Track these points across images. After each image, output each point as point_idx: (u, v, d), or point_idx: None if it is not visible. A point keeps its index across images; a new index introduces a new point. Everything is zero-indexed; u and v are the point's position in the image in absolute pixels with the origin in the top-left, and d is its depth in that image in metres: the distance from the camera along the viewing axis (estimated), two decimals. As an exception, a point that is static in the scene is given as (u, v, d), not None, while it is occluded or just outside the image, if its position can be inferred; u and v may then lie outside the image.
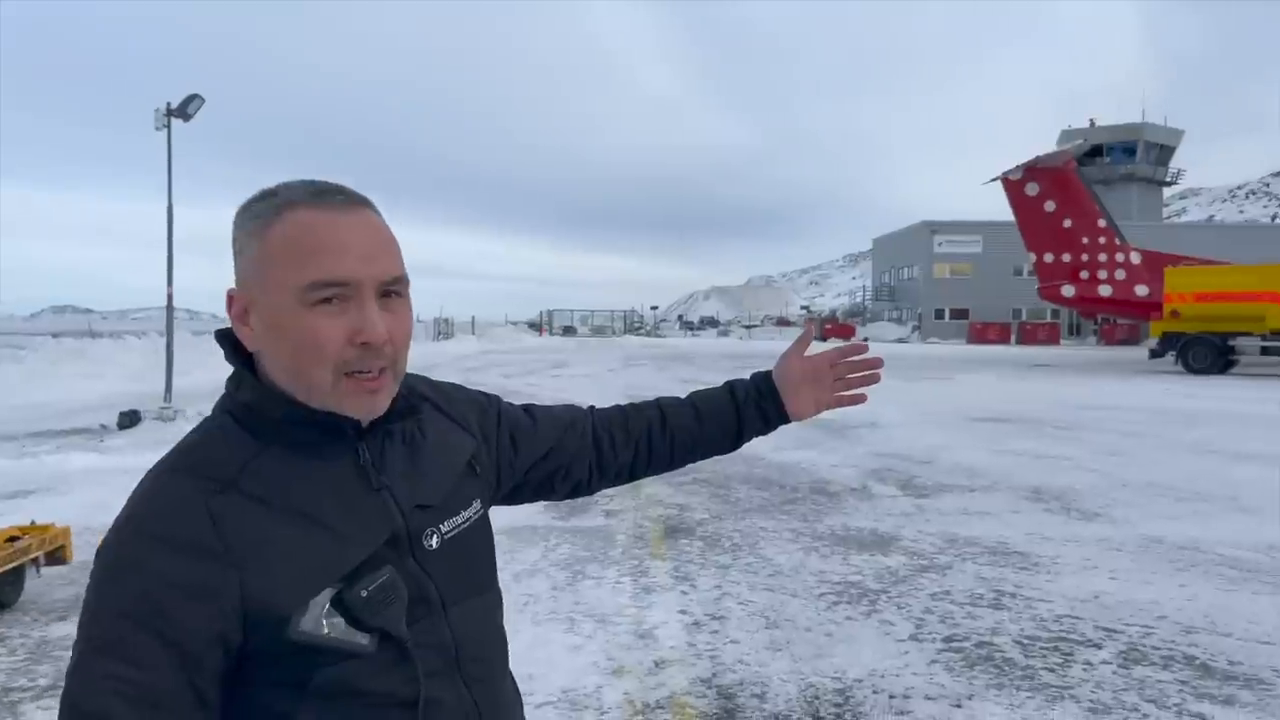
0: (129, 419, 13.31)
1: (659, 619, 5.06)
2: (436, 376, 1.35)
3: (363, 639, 1.01)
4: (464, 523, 1.18)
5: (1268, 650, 4.55)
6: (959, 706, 3.94)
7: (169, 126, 15.68)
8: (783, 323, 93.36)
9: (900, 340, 60.12)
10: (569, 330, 78.18)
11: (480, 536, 1.22)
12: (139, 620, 0.93)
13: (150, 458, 1.15)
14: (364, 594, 1.01)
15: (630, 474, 1.53)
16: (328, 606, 1.00)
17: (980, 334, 56.15)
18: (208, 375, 16.72)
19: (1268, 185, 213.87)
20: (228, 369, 1.10)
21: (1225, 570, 5.98)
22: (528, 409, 1.45)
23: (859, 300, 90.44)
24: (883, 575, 5.89)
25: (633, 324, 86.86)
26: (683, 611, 5.19)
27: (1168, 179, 78.50)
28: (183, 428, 11.33)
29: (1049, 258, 35.69)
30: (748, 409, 1.53)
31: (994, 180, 36.50)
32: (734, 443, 1.56)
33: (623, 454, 1.49)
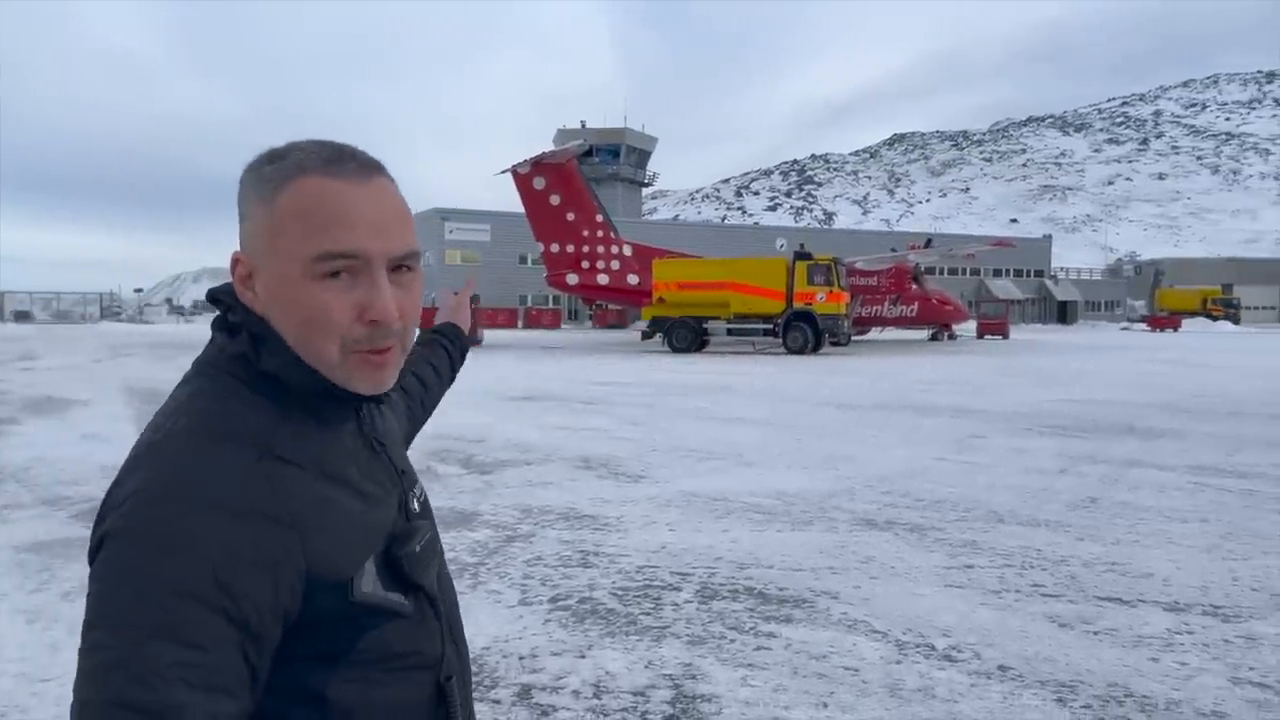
0: None
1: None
2: None
3: (400, 598, 1.01)
4: (423, 488, 1.19)
5: (801, 575, 5.52)
6: (583, 657, 4.25)
7: None
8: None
9: (414, 325, 60.61)
10: (23, 316, 67.29)
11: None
12: (202, 598, 0.83)
13: None
14: (418, 549, 1.03)
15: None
16: (375, 567, 0.99)
17: (490, 319, 58.72)
18: None
19: (718, 190, 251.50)
20: None
21: (753, 515, 7.09)
22: None
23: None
24: (475, 549, 6.07)
25: (111, 309, 77.68)
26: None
27: (646, 180, 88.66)
28: None
29: (555, 248, 38.47)
30: (456, 351, 1.80)
31: (504, 172, 38.40)
32: (450, 383, 1.80)
33: (416, 411, 1.59)
